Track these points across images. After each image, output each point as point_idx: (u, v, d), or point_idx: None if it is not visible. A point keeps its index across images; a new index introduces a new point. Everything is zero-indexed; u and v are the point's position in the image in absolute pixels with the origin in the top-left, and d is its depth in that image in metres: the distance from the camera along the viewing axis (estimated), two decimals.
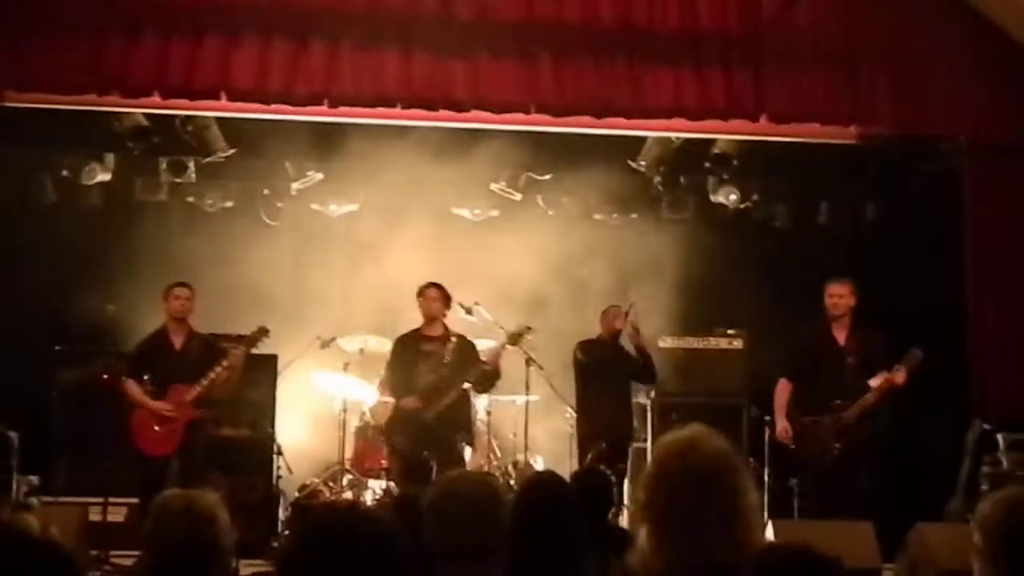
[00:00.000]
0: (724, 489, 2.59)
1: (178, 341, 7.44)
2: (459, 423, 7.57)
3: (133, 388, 7.30)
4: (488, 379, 7.50)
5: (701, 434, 2.69)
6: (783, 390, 7.45)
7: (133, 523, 7.38)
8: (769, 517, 6.36)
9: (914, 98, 8.23)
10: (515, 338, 7.65)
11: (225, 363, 7.27)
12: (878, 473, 7.35)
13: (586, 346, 8.37)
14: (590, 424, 8.25)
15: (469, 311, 8.30)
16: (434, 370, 7.43)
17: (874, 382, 7.18)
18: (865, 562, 6.04)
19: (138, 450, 7.23)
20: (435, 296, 7.53)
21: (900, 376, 7.12)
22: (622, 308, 8.35)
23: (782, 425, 7.36)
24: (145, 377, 7.29)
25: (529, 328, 7.76)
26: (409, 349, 7.61)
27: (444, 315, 7.60)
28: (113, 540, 7.21)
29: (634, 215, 10.14)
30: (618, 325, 8.27)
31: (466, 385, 7.45)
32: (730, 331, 9.18)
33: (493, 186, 9.84)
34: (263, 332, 7.50)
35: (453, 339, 7.49)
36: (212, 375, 7.23)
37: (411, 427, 7.45)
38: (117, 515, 7.53)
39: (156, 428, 7.21)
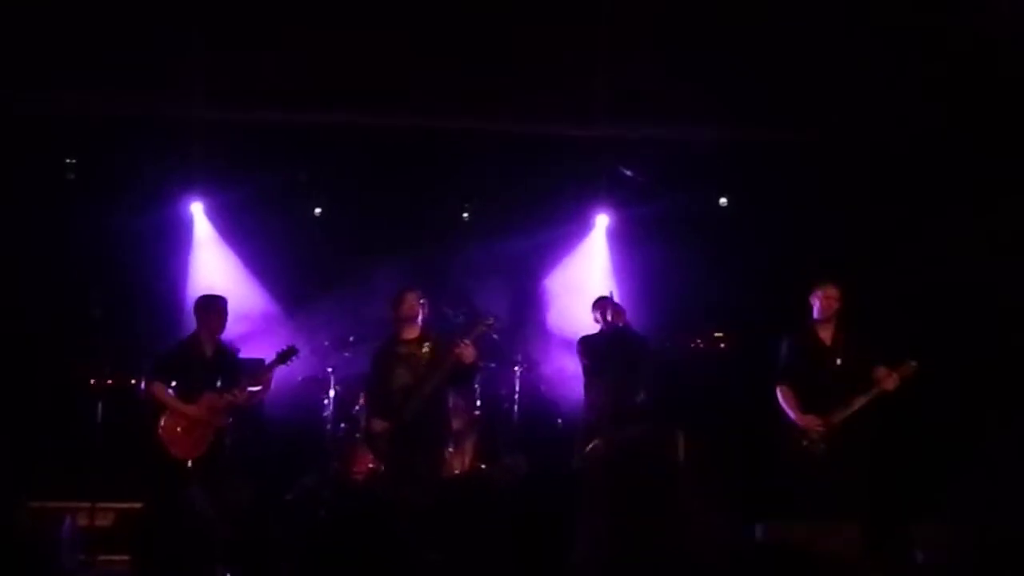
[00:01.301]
0: (661, 492, 2.60)
1: (209, 350, 7.47)
2: (439, 422, 7.48)
3: (163, 391, 7.32)
4: (462, 373, 7.38)
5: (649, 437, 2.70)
6: (786, 393, 7.40)
7: (121, 527, 7.37)
8: (757, 518, 6.33)
9: None
10: (471, 329, 7.51)
11: (259, 379, 7.43)
12: (875, 474, 7.19)
13: (588, 342, 8.39)
14: (595, 418, 8.10)
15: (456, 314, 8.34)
16: (411, 371, 7.33)
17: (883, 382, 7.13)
18: (851, 562, 6.05)
19: (165, 453, 7.21)
20: (416, 297, 7.41)
21: (891, 383, 7.16)
22: (609, 297, 8.27)
23: (806, 420, 7.25)
24: (173, 383, 7.33)
25: (490, 321, 7.61)
26: (385, 356, 7.48)
27: (419, 317, 7.48)
28: (101, 545, 7.19)
29: None
30: (610, 318, 8.21)
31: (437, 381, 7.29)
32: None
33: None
34: (292, 351, 7.54)
35: (429, 339, 7.42)
36: (247, 387, 7.32)
37: (393, 432, 7.35)
38: (105, 519, 7.51)
39: (185, 432, 7.23)
